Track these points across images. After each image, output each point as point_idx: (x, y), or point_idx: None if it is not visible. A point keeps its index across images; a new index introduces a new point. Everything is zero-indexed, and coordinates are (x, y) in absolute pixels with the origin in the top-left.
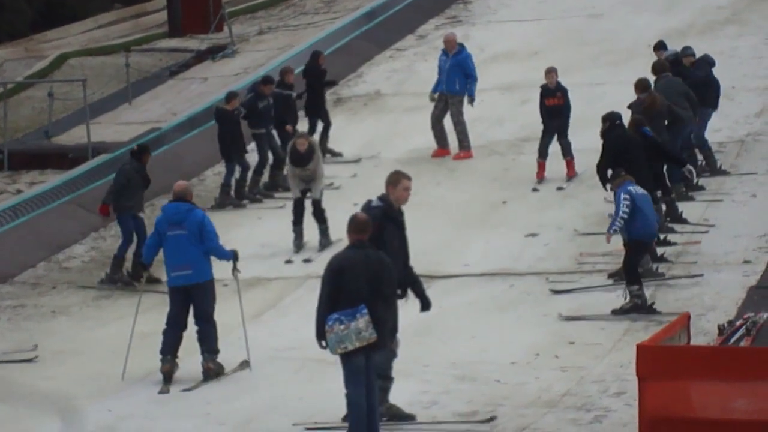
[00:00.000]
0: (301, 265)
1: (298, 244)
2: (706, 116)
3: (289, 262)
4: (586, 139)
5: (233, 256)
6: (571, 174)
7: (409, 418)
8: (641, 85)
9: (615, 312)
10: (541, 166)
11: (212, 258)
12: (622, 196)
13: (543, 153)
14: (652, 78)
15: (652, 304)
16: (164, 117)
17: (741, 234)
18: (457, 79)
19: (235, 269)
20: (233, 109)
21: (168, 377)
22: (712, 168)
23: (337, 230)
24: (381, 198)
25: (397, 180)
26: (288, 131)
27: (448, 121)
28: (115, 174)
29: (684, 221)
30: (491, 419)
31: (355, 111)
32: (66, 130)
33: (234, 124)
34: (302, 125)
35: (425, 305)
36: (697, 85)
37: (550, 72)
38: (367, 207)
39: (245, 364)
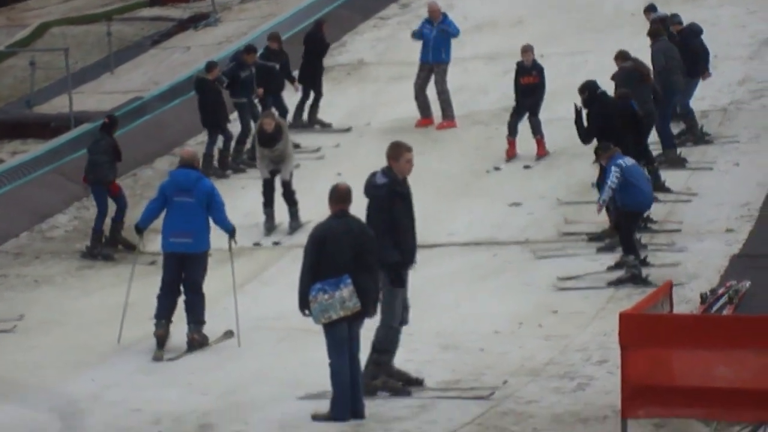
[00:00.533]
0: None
1: (269, 226)
2: (693, 85)
3: (257, 244)
4: (570, 108)
5: (233, 231)
6: (541, 153)
7: (404, 392)
8: (622, 56)
9: (611, 283)
10: (512, 144)
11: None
12: (613, 168)
13: (513, 130)
14: (647, 42)
15: (648, 276)
16: (146, 86)
17: (724, 202)
18: (442, 48)
19: (231, 240)
20: (214, 78)
21: (161, 342)
22: (696, 137)
23: (323, 200)
24: (385, 172)
25: (398, 153)
26: (259, 95)
27: (431, 91)
28: (89, 150)
29: (667, 190)
30: (492, 393)
31: (338, 80)
32: (48, 100)
33: (215, 93)
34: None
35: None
36: (686, 53)
37: (527, 50)
38: (373, 185)
39: (229, 334)
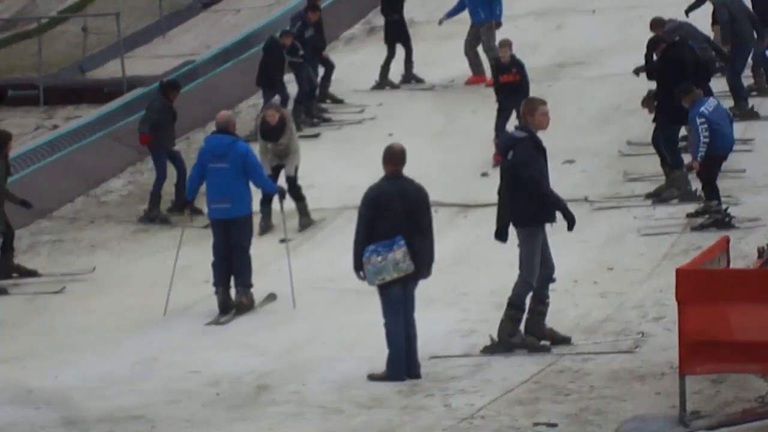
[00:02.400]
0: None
1: (264, 225)
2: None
3: None
4: (622, 64)
5: (281, 191)
6: None
7: (543, 349)
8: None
9: (694, 228)
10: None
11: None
12: (697, 120)
13: (500, 133)
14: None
15: (732, 219)
16: (198, 50)
17: None
18: (480, 8)
19: (282, 200)
20: (284, 45)
21: (223, 308)
22: (760, 88)
23: (375, 162)
24: (521, 128)
25: (534, 107)
26: (324, 57)
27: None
28: (145, 109)
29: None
30: (637, 346)
31: None
32: (100, 65)
33: (280, 58)
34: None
35: (571, 223)
36: (759, 2)
37: (504, 46)
38: (512, 138)
39: (272, 297)
